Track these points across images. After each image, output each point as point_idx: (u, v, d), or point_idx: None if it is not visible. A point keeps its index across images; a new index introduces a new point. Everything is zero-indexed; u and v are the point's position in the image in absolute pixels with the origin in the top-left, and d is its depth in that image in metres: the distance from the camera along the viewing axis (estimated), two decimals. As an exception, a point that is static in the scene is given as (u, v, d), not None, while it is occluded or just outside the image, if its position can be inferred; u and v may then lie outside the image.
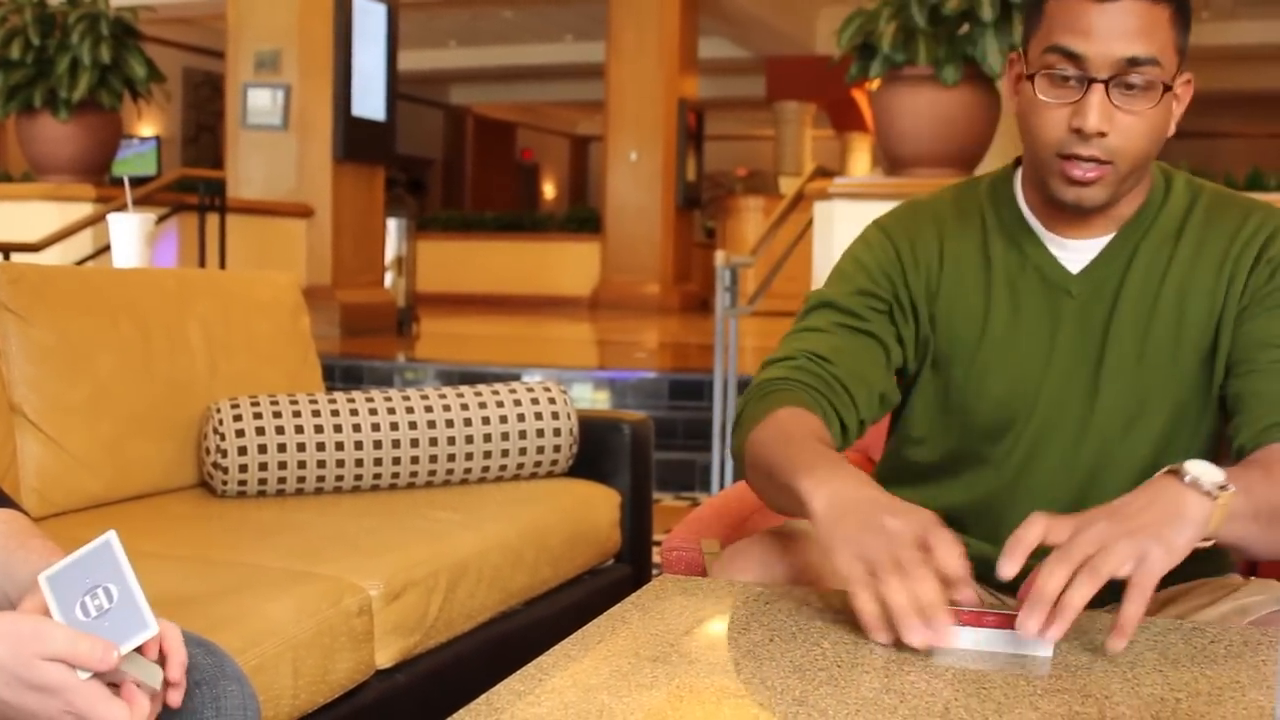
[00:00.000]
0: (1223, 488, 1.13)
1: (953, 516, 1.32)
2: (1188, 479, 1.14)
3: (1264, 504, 1.19)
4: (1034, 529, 1.12)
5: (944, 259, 1.51)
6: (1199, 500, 1.12)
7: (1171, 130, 1.39)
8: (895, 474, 1.55)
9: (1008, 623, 1.09)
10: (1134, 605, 1.07)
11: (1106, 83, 1.32)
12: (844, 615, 1.22)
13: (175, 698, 1.04)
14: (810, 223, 6.00)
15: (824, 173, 7.15)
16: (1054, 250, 1.46)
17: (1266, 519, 1.19)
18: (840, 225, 5.52)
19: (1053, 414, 1.45)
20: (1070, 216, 1.44)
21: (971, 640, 1.10)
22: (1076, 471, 1.45)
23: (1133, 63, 1.32)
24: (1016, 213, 1.50)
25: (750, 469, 1.41)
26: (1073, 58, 1.33)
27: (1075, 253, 1.45)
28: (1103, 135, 1.32)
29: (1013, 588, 1.18)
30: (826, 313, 1.52)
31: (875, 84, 5.51)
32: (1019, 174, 1.52)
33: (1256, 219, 1.43)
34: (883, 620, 1.10)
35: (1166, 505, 1.12)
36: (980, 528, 1.48)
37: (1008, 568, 1.10)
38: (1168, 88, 1.35)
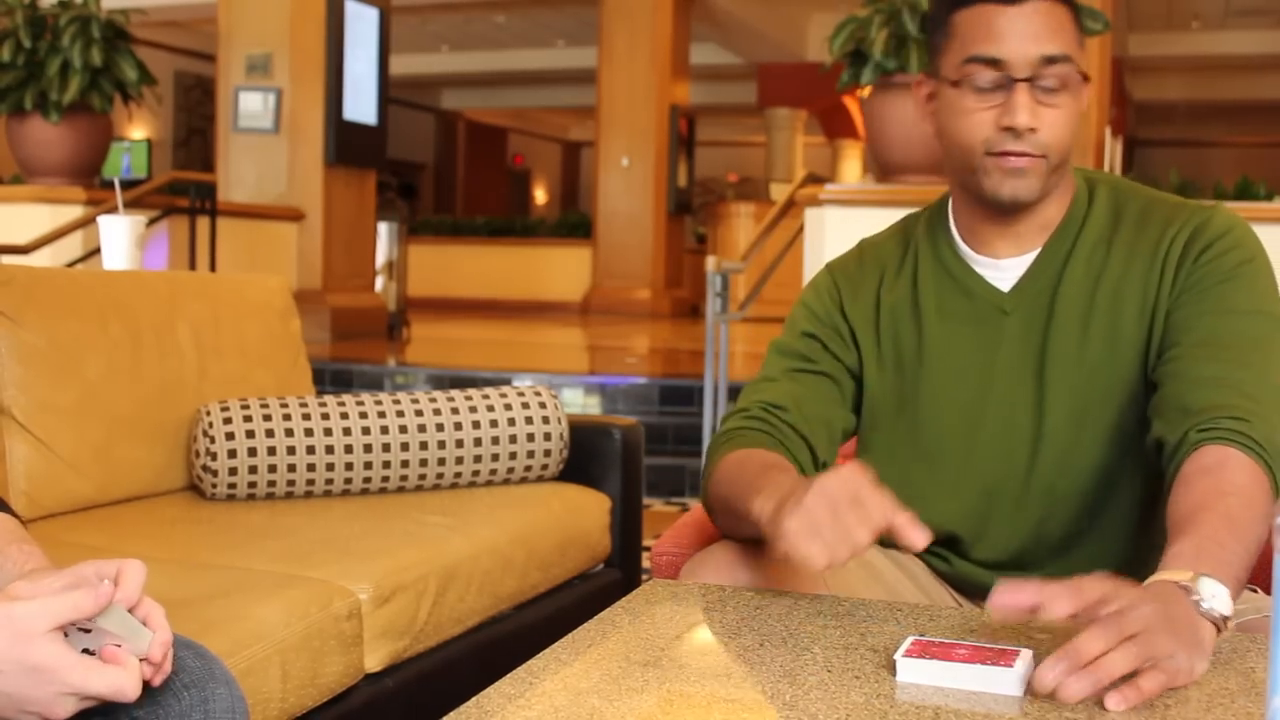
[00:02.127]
0: (1227, 619, 1.09)
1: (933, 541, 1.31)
2: (1203, 607, 1.07)
3: (1243, 568, 1.15)
4: (1096, 589, 1.04)
5: (880, 311, 1.56)
6: (1211, 632, 1.07)
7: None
8: None
9: (978, 657, 1.06)
10: (1152, 685, 1.00)
11: (1029, 81, 1.38)
12: (835, 621, 1.22)
13: (155, 677, 1.03)
14: (801, 229, 6.01)
15: (815, 179, 7.17)
16: (985, 272, 1.50)
17: (1245, 572, 1.15)
18: (831, 231, 5.53)
19: (1003, 431, 1.47)
20: (1002, 228, 1.48)
21: (939, 675, 1.06)
22: (1038, 482, 1.46)
23: (1049, 61, 1.38)
24: (950, 240, 1.54)
25: (716, 513, 1.46)
26: (992, 63, 1.38)
27: (1006, 271, 1.49)
28: (1033, 131, 1.38)
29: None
30: (779, 359, 1.58)
31: (866, 91, 5.52)
32: (951, 201, 1.56)
33: (1184, 214, 1.46)
34: (809, 540, 1.15)
35: (1193, 631, 1.05)
36: (957, 549, 1.52)
37: (1060, 608, 1.03)
38: (1085, 78, 1.41)
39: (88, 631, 0.99)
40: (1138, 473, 1.43)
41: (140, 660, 1.01)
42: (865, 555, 1.31)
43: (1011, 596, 1.04)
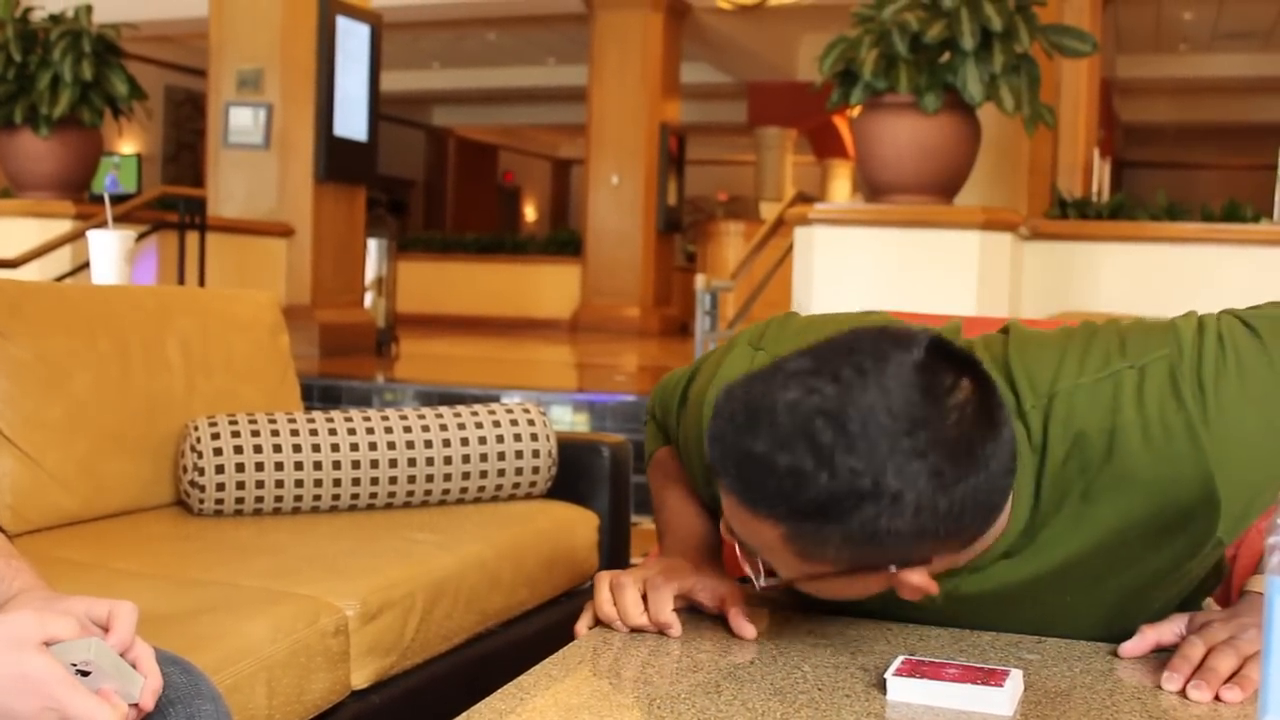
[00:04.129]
0: None
1: None
2: None
3: None
4: (1167, 628, 1.19)
5: None
6: None
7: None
8: None
9: (968, 676, 1.06)
10: (1257, 675, 1.04)
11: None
12: (825, 639, 1.22)
13: None
14: (791, 248, 6.03)
15: (805, 198, 7.20)
16: None
17: None
18: (820, 250, 5.55)
19: None
20: None
21: (930, 694, 1.06)
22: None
23: None
24: None
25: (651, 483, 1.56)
26: None
27: None
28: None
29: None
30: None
31: (856, 111, 5.54)
32: None
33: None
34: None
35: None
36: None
37: (1131, 650, 1.18)
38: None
39: (86, 674, 0.99)
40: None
41: (130, 705, 1.00)
42: None
43: (1141, 646, 1.18)
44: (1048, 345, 1.20)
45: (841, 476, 0.98)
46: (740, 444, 1.03)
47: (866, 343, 1.04)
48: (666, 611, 1.24)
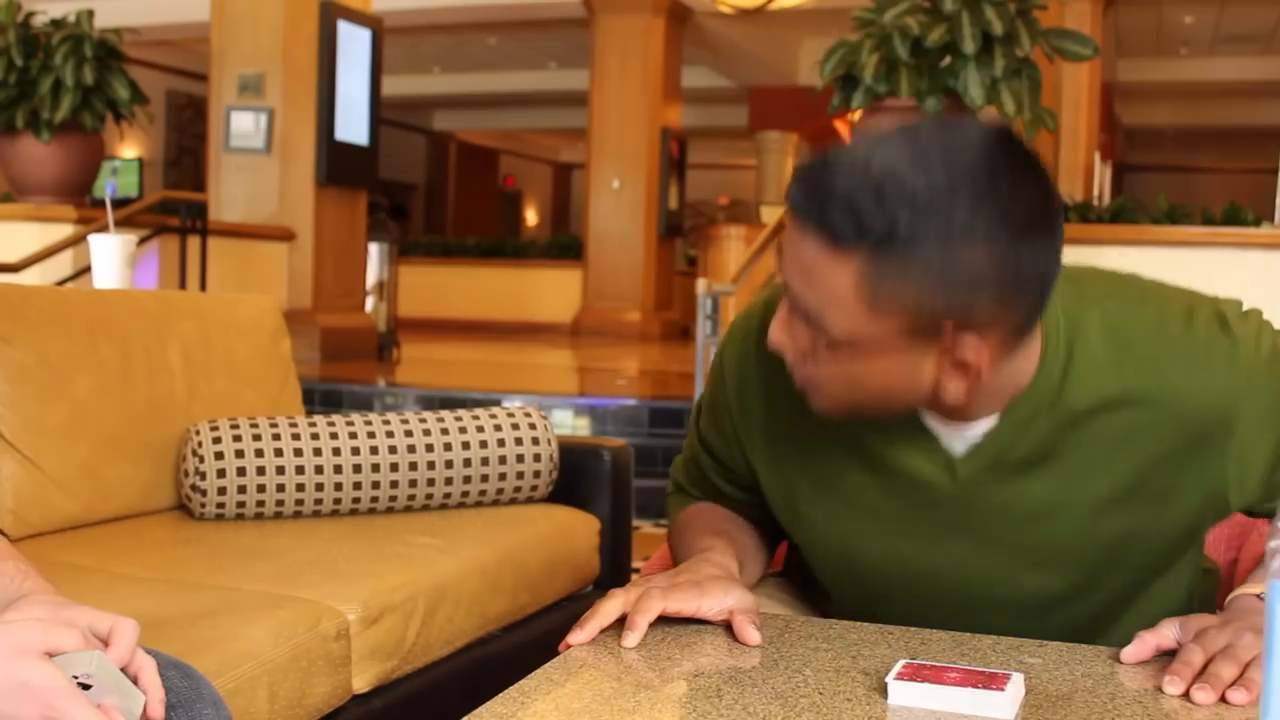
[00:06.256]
0: None
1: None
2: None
3: None
4: (1164, 632, 1.17)
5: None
6: None
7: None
8: None
9: (970, 680, 1.06)
10: (1229, 669, 1.09)
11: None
12: (825, 643, 1.22)
13: None
14: (792, 252, 6.02)
15: (806, 202, 7.17)
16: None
17: None
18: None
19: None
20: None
21: (931, 698, 1.05)
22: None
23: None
24: None
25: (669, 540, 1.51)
26: None
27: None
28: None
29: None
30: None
31: (857, 115, 5.54)
32: None
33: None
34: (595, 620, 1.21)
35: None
36: None
37: (1132, 656, 1.17)
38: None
39: (87, 687, 0.98)
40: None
41: None
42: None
43: (1142, 650, 1.16)
44: (1098, 270, 1.26)
45: (921, 201, 1.03)
46: (826, 180, 1.07)
47: (947, 117, 1.12)
48: (643, 621, 1.21)
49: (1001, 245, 1.04)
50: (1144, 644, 1.17)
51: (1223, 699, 1.08)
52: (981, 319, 1.08)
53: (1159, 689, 1.11)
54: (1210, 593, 1.43)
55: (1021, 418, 1.19)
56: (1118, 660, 1.18)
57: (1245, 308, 1.23)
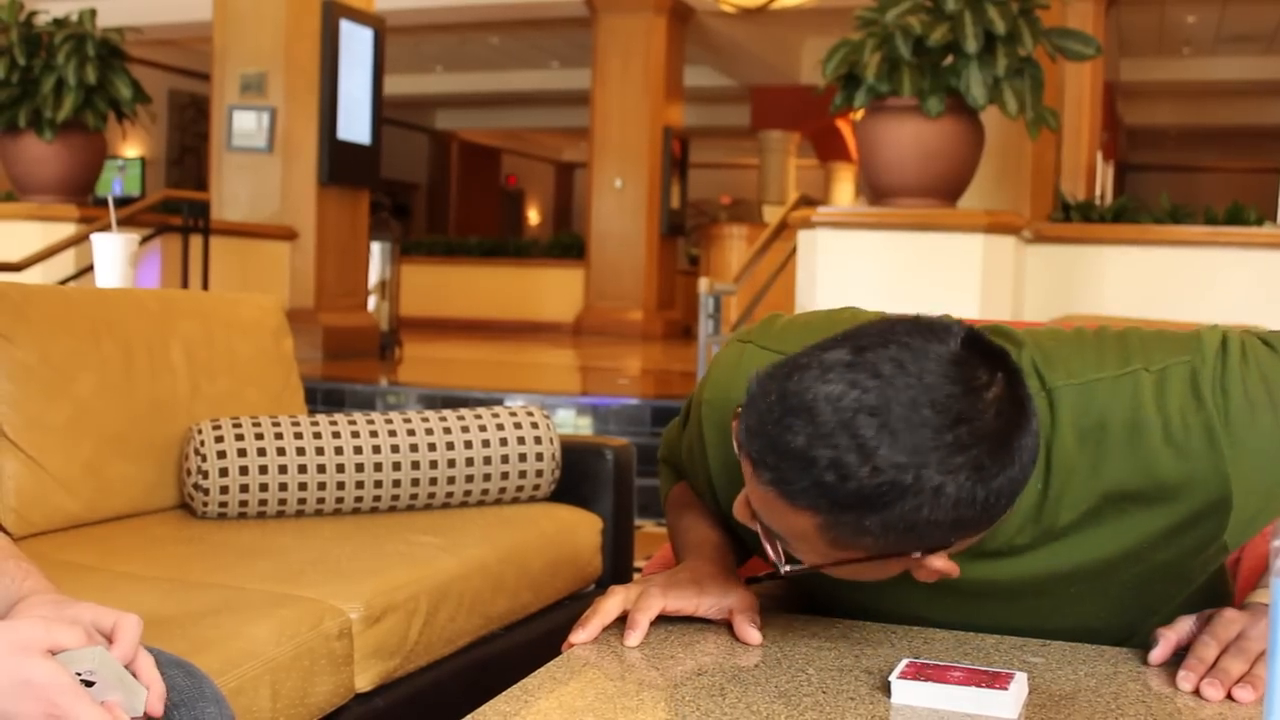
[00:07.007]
0: None
1: None
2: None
3: None
4: (1183, 628, 1.18)
5: None
6: None
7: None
8: None
9: (973, 679, 1.06)
10: (1237, 665, 1.11)
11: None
12: (829, 642, 1.22)
13: None
14: (793, 251, 6.03)
15: (808, 201, 7.19)
16: None
17: None
18: (823, 254, 5.54)
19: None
20: None
21: (934, 697, 1.06)
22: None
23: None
24: None
25: (667, 518, 1.51)
26: None
27: None
28: None
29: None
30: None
31: (859, 114, 5.54)
32: None
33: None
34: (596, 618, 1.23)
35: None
36: None
37: (1159, 658, 1.17)
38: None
39: (90, 684, 0.99)
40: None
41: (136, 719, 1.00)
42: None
43: (1166, 651, 1.17)
44: (1064, 341, 1.21)
45: (885, 471, 0.99)
46: (781, 438, 1.02)
47: (902, 334, 1.04)
48: (644, 620, 1.22)
49: (968, 490, 1.01)
50: (1167, 643, 1.17)
51: (1229, 696, 1.08)
52: (950, 543, 1.08)
53: (1163, 689, 1.11)
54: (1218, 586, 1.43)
55: (1008, 531, 1.16)
56: (1125, 660, 1.19)
57: (1223, 334, 1.19)
